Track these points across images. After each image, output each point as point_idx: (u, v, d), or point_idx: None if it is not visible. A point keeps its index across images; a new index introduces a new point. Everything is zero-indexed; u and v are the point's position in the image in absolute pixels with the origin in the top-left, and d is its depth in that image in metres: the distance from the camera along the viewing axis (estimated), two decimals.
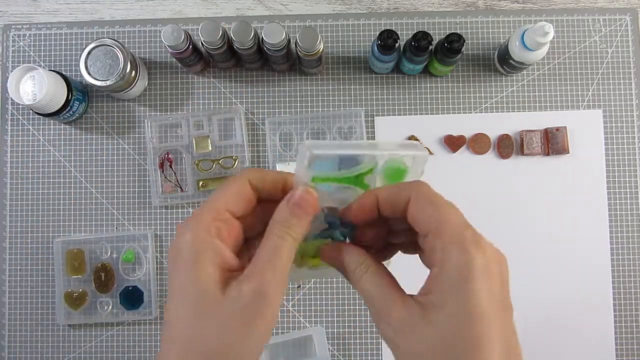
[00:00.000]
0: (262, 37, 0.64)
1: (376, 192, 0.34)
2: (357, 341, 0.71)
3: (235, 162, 0.72)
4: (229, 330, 0.29)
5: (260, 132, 0.73)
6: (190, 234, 0.30)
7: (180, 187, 0.72)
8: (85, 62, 0.67)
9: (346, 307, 0.71)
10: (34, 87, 0.67)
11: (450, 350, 0.28)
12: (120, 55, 0.67)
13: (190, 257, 0.30)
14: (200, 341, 0.29)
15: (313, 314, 0.71)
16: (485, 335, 0.27)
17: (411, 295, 0.31)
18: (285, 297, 0.71)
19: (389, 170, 0.36)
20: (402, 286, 0.33)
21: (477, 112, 0.73)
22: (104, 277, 0.71)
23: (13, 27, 0.75)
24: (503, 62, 0.70)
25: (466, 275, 0.28)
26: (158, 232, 0.72)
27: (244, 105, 0.73)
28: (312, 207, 0.32)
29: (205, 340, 0.29)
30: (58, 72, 0.69)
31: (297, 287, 0.71)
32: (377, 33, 0.66)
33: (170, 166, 0.72)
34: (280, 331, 0.71)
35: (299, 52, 0.66)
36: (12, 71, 0.67)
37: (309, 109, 0.73)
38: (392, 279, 0.33)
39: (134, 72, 0.69)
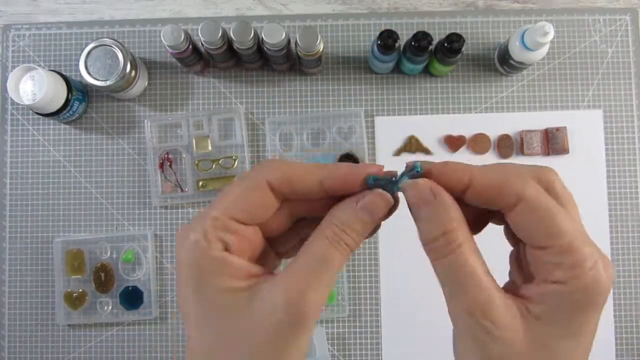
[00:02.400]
0: (262, 37, 0.63)
1: (472, 173, 0.26)
2: (357, 341, 0.71)
3: (235, 162, 0.72)
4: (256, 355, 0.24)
5: (260, 132, 0.73)
6: (190, 246, 0.26)
7: (180, 187, 0.72)
8: (85, 62, 0.67)
9: (346, 307, 0.71)
10: (34, 87, 0.67)
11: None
12: (120, 55, 0.67)
13: (194, 273, 0.25)
14: None
15: None
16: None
17: (506, 292, 0.26)
18: None
19: None
20: None
21: (477, 112, 0.73)
22: (103, 277, 0.71)
23: (13, 27, 0.75)
24: (503, 62, 0.70)
25: (593, 305, 0.25)
26: (158, 232, 0.72)
27: (244, 105, 0.73)
28: (383, 214, 0.28)
29: None
30: (58, 72, 0.69)
31: None
32: (377, 33, 0.66)
33: (170, 166, 0.72)
34: None
35: (298, 52, 0.66)
36: (11, 71, 0.67)
37: (309, 109, 0.73)
38: (484, 262, 0.27)
39: (133, 72, 0.69)
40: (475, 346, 0.26)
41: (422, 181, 0.27)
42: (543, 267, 0.25)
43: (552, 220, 0.25)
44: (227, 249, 0.26)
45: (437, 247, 0.26)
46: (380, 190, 0.27)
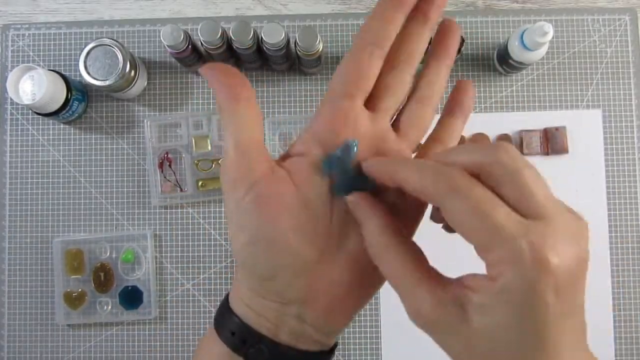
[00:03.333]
0: (262, 37, 0.64)
1: (400, 178, 0.26)
2: (357, 341, 0.71)
3: None
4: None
5: None
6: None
7: (180, 187, 0.72)
8: (85, 62, 0.67)
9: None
10: (33, 87, 0.67)
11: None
12: (120, 55, 0.67)
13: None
14: None
15: None
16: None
17: (444, 285, 0.26)
18: None
19: None
20: None
21: (476, 112, 0.73)
22: (103, 277, 0.71)
23: (12, 26, 0.75)
24: (502, 62, 0.70)
25: (524, 303, 0.23)
26: (157, 232, 0.72)
27: None
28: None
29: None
30: (57, 72, 0.69)
31: None
32: None
33: (170, 166, 0.72)
34: None
35: (298, 52, 0.66)
36: (11, 71, 0.67)
37: (309, 109, 0.73)
38: (421, 257, 0.27)
39: (133, 72, 0.69)
40: (440, 343, 0.26)
41: (350, 201, 0.29)
42: (488, 265, 0.24)
43: (472, 218, 0.24)
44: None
45: (373, 257, 0.28)
46: None
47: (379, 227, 0.27)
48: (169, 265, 0.72)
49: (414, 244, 0.28)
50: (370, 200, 0.28)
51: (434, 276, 0.26)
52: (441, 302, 0.25)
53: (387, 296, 0.71)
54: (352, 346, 0.71)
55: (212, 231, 0.72)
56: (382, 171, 0.28)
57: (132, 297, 0.70)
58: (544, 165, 0.72)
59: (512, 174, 0.25)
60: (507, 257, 0.23)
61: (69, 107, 0.69)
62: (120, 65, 0.66)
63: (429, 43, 0.34)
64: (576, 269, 0.26)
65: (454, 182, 0.24)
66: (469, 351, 0.25)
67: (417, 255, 0.27)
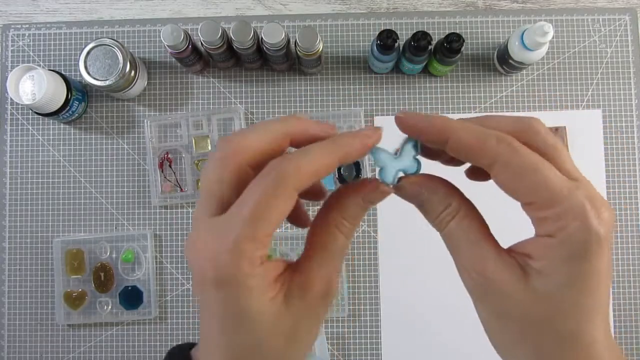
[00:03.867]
0: (262, 37, 0.64)
1: (450, 132, 0.27)
2: (357, 341, 0.71)
3: None
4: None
5: None
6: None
7: (180, 187, 0.72)
8: (85, 62, 0.67)
9: (345, 307, 0.71)
10: (34, 87, 0.67)
11: (551, 325, 0.25)
12: (120, 55, 0.67)
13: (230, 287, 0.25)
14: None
15: None
16: (594, 322, 0.25)
17: (507, 251, 0.27)
18: None
19: None
20: None
21: (476, 112, 0.73)
22: (103, 277, 0.71)
23: (12, 26, 0.75)
24: (503, 62, 0.70)
25: (586, 253, 0.24)
26: (157, 232, 0.72)
27: (244, 105, 0.73)
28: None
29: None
30: (57, 72, 0.69)
31: None
32: (377, 33, 0.66)
33: (170, 166, 0.72)
34: None
35: (298, 52, 0.66)
36: (11, 71, 0.67)
37: (309, 109, 0.73)
38: (484, 225, 0.29)
39: (133, 72, 0.69)
40: (481, 304, 0.28)
41: (408, 184, 0.30)
42: (535, 222, 0.26)
43: (531, 177, 0.25)
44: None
45: (439, 220, 0.29)
46: (382, 187, 0.29)
47: (446, 192, 0.30)
48: (169, 265, 0.72)
49: (476, 210, 0.30)
50: (430, 175, 0.31)
51: (496, 242, 0.28)
52: (506, 263, 0.26)
53: (387, 296, 0.70)
54: (352, 346, 0.71)
55: None
56: (430, 125, 0.28)
57: (132, 297, 0.70)
58: None
59: (552, 143, 0.26)
60: (570, 211, 0.24)
61: (69, 107, 0.69)
62: (121, 65, 0.66)
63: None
64: (612, 224, 0.26)
65: (509, 141, 0.25)
66: (522, 314, 0.26)
67: (481, 223, 0.29)
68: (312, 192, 0.31)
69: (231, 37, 0.64)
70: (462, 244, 0.28)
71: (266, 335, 0.25)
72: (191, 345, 0.31)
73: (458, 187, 0.32)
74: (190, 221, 0.72)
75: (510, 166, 0.26)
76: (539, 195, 0.25)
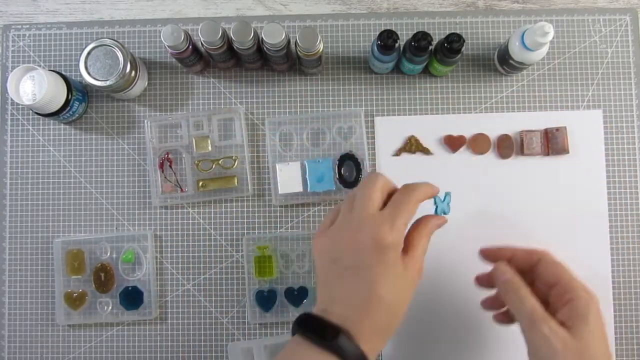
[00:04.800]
0: (262, 37, 0.64)
1: (514, 249, 0.55)
2: None
3: (235, 162, 0.72)
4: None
5: (260, 132, 0.73)
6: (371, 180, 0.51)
7: (180, 187, 0.72)
8: (85, 62, 0.67)
9: None
10: (34, 87, 0.67)
11: (588, 355, 0.46)
12: (120, 56, 0.67)
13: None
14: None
15: None
16: (600, 348, 0.47)
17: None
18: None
19: None
20: None
21: (477, 112, 0.73)
22: (103, 277, 0.71)
23: (13, 27, 0.75)
24: (503, 62, 0.70)
25: (593, 307, 0.47)
26: (158, 233, 0.72)
27: (244, 105, 0.73)
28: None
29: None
30: (58, 72, 0.69)
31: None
32: (377, 33, 0.66)
33: (170, 166, 0.72)
34: (280, 331, 0.71)
35: (298, 52, 0.66)
36: (11, 71, 0.67)
37: (309, 109, 0.73)
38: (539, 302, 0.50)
39: (133, 72, 0.69)
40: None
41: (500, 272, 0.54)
42: (560, 298, 0.50)
43: (562, 265, 0.54)
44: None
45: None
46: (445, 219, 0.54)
47: (515, 278, 0.52)
48: (169, 266, 0.72)
49: None
50: (507, 266, 0.54)
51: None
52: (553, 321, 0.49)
53: None
54: None
55: (212, 231, 0.72)
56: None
57: (132, 298, 0.70)
58: (544, 166, 0.72)
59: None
60: (581, 287, 0.52)
61: (69, 107, 0.69)
62: (121, 65, 0.66)
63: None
64: None
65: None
66: (569, 350, 0.46)
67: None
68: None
69: (231, 38, 0.64)
70: (536, 307, 0.50)
71: (400, 286, 0.48)
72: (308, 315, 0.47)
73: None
74: (191, 221, 0.72)
75: (549, 258, 0.55)
76: (564, 278, 0.53)
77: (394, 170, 0.72)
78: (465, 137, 0.72)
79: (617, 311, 0.70)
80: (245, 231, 0.72)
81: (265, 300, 0.70)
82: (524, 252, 0.54)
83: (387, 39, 0.64)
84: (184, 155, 0.72)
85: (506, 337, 0.70)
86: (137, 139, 0.73)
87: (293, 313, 0.70)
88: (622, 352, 0.70)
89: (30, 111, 0.73)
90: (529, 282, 0.51)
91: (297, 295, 0.70)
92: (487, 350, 0.69)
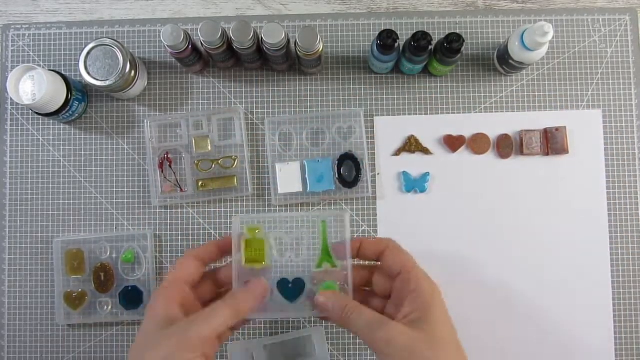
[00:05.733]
0: (262, 37, 0.64)
1: (361, 239, 0.53)
2: (357, 341, 0.71)
3: (234, 162, 0.72)
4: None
5: (260, 132, 0.73)
6: (155, 295, 0.49)
7: (180, 187, 0.72)
8: (85, 62, 0.67)
9: None
10: (34, 87, 0.67)
11: (436, 342, 0.45)
12: (120, 55, 0.67)
13: (149, 309, 0.48)
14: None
15: None
16: (448, 334, 0.47)
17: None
18: None
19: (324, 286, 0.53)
20: None
21: (476, 112, 0.73)
22: (103, 277, 0.71)
23: (12, 27, 0.75)
24: (503, 62, 0.70)
25: (437, 297, 0.48)
26: (158, 232, 0.72)
27: (244, 105, 0.73)
28: (262, 296, 0.50)
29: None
30: (57, 72, 0.69)
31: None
32: (377, 33, 0.66)
33: (170, 166, 0.72)
34: (280, 331, 0.71)
35: (298, 52, 0.66)
36: (11, 71, 0.67)
37: (309, 109, 0.73)
38: (374, 312, 0.48)
39: (133, 72, 0.69)
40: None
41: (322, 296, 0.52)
42: (405, 287, 0.50)
43: (406, 254, 0.52)
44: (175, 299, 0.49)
45: (345, 317, 0.49)
46: (259, 280, 0.52)
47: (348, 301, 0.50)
48: (169, 265, 0.72)
49: (363, 306, 0.50)
50: (333, 294, 0.52)
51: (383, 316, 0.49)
52: (398, 327, 0.48)
53: None
54: (352, 346, 0.71)
55: (212, 231, 0.72)
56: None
57: (132, 297, 0.70)
58: (544, 166, 0.72)
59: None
60: (423, 275, 0.51)
61: (69, 107, 0.69)
62: (121, 65, 0.66)
63: None
64: None
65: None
66: (416, 343, 0.46)
67: (371, 311, 0.49)
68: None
69: (231, 37, 0.64)
70: (363, 326, 0.48)
71: None
72: None
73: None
74: (191, 221, 0.72)
75: (394, 247, 0.53)
76: (407, 265, 0.51)
77: (394, 170, 0.72)
78: (464, 137, 0.72)
79: (617, 311, 0.70)
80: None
81: None
82: (370, 242, 0.53)
83: (386, 39, 0.64)
84: (183, 155, 0.72)
85: (502, 338, 0.70)
86: (137, 139, 0.73)
87: (287, 310, 0.57)
88: (622, 352, 0.70)
89: (30, 111, 0.73)
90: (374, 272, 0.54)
91: (291, 288, 0.57)
92: (486, 351, 0.69)
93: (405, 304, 0.47)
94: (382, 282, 0.53)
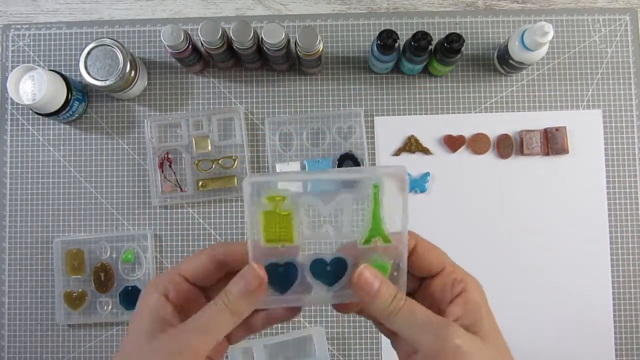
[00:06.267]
0: (262, 37, 0.64)
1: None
2: (357, 341, 0.71)
3: (234, 162, 0.72)
4: None
5: (260, 132, 0.73)
6: (145, 290, 0.36)
7: (180, 187, 0.72)
8: (85, 62, 0.67)
9: None
10: (34, 87, 0.67)
11: (499, 351, 0.37)
12: (120, 55, 0.67)
13: (137, 308, 0.36)
14: None
15: (313, 314, 0.71)
16: (503, 342, 0.39)
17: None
18: None
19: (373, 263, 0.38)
20: None
21: (476, 112, 0.73)
22: (103, 277, 0.71)
23: (13, 27, 0.75)
24: (503, 62, 0.70)
25: (486, 301, 0.39)
26: (158, 232, 0.72)
27: (244, 105, 0.73)
28: (259, 290, 0.35)
29: None
30: (57, 72, 0.69)
31: None
32: (377, 33, 0.66)
33: (170, 166, 0.72)
34: (280, 331, 0.71)
35: (298, 52, 0.66)
36: (11, 71, 0.67)
37: (309, 109, 0.73)
38: (430, 311, 0.36)
39: (133, 72, 0.69)
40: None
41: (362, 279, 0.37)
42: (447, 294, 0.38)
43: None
44: (165, 294, 0.35)
45: (391, 309, 0.36)
46: (252, 267, 0.36)
47: (389, 293, 0.37)
48: (169, 265, 0.72)
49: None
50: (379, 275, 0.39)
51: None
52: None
53: None
54: (352, 346, 0.71)
55: (212, 231, 0.72)
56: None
57: (132, 297, 0.70)
58: (544, 166, 0.72)
59: None
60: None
61: (69, 107, 0.69)
62: (121, 65, 0.66)
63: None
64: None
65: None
66: None
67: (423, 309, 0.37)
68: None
69: (231, 37, 0.64)
70: (418, 324, 0.36)
71: None
72: None
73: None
74: (191, 221, 0.72)
75: (424, 243, 0.42)
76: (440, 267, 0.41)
77: None
78: (465, 137, 0.72)
79: (617, 311, 0.70)
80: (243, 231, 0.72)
81: (281, 277, 0.40)
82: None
83: (387, 39, 0.64)
84: (183, 155, 0.72)
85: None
86: (137, 139, 0.73)
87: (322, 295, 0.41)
88: (622, 352, 0.70)
89: (30, 111, 0.73)
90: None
91: (330, 270, 0.40)
92: None
93: (452, 307, 0.37)
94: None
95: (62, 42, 0.75)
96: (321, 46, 0.65)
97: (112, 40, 0.67)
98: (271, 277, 0.37)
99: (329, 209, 0.43)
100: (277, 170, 0.71)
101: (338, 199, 0.42)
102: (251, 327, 0.38)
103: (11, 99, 0.69)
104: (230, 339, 0.38)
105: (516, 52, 0.66)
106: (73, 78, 0.71)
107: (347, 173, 0.44)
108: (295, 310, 0.39)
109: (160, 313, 0.35)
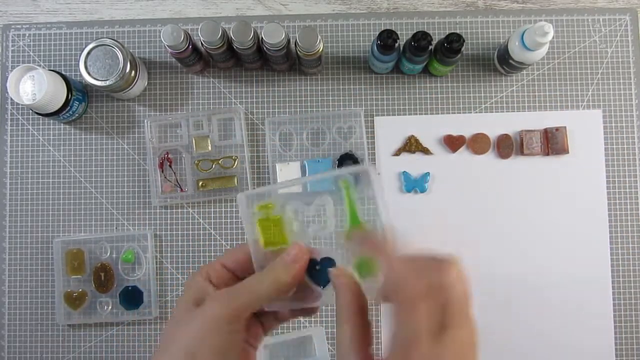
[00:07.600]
0: (262, 37, 0.64)
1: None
2: None
3: (235, 162, 0.72)
4: (192, 335, 0.36)
5: (260, 132, 0.73)
6: (189, 276, 0.41)
7: (180, 187, 0.72)
8: (85, 62, 0.67)
9: None
10: (34, 87, 0.67)
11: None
12: (120, 55, 0.67)
13: (184, 287, 0.42)
14: (176, 342, 0.37)
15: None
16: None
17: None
18: None
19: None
20: None
21: (476, 112, 0.73)
22: (103, 277, 0.71)
23: (13, 27, 0.75)
24: (503, 62, 0.70)
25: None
26: (158, 232, 0.72)
27: (244, 105, 0.73)
28: (302, 262, 0.38)
29: (179, 341, 0.36)
30: (58, 72, 0.69)
31: None
32: (377, 33, 0.66)
33: (170, 166, 0.72)
34: (280, 331, 0.71)
35: (298, 52, 0.66)
36: (11, 71, 0.67)
37: (309, 109, 0.73)
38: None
39: (133, 72, 0.69)
40: None
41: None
42: None
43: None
44: (207, 277, 0.39)
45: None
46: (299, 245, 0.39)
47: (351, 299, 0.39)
48: (169, 266, 0.72)
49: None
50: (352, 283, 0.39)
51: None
52: None
53: None
54: None
55: (212, 231, 0.72)
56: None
57: (132, 297, 0.70)
58: (544, 166, 0.72)
59: None
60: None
61: (69, 107, 0.69)
62: (121, 65, 0.66)
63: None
64: None
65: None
66: None
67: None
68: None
69: (231, 37, 0.64)
70: (347, 346, 0.37)
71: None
72: None
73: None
74: (191, 221, 0.72)
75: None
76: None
77: (394, 170, 0.72)
78: (465, 137, 0.72)
79: (617, 311, 0.70)
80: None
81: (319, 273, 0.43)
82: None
83: (387, 39, 0.64)
84: (183, 155, 0.72)
85: (504, 343, 0.70)
86: (137, 139, 0.73)
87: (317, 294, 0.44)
88: (622, 352, 0.70)
89: (30, 111, 0.73)
90: None
91: (319, 270, 0.42)
92: (486, 350, 0.69)
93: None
94: None
95: (62, 42, 0.75)
96: (321, 46, 0.65)
97: (112, 40, 0.67)
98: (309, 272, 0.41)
99: (312, 209, 0.45)
100: (277, 170, 0.71)
101: (317, 200, 0.44)
102: (279, 317, 0.42)
103: (11, 99, 0.69)
104: (264, 327, 0.41)
105: (516, 52, 0.66)
106: (73, 78, 0.71)
107: (321, 174, 0.49)
108: (314, 309, 0.43)
109: (204, 288, 0.38)
